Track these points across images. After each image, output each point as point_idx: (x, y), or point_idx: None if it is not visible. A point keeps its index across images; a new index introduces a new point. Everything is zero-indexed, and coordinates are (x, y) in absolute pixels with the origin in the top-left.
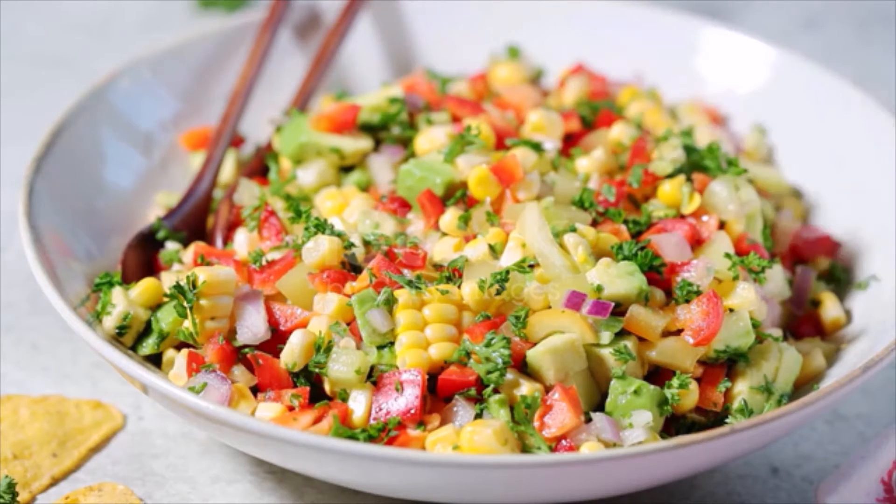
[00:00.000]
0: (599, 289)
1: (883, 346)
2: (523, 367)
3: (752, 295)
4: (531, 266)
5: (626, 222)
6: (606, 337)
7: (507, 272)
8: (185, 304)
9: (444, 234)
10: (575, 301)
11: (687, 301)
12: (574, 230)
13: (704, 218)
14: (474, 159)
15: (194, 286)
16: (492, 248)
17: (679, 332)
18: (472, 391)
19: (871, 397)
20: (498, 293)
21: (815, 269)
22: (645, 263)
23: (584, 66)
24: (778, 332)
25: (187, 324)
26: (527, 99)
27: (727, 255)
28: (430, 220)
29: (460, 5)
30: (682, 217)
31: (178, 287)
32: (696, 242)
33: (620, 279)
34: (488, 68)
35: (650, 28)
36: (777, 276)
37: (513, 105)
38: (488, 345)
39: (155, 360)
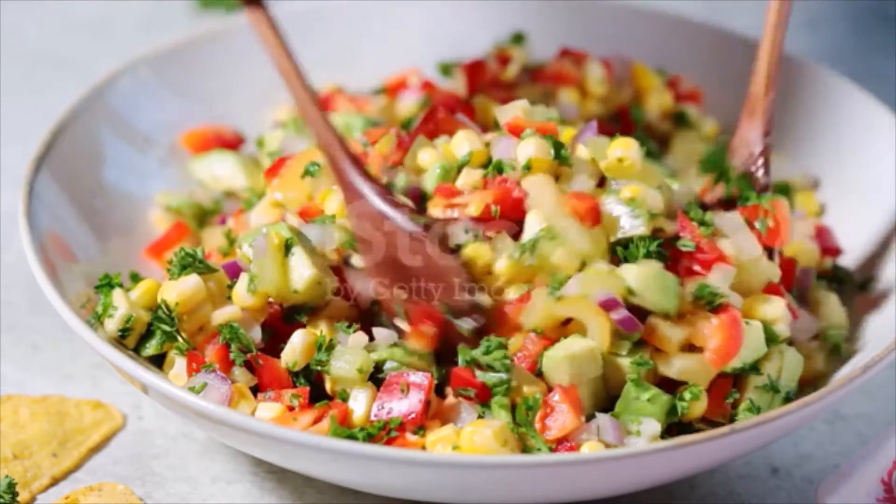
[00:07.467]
0: (631, 292)
1: (883, 346)
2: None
3: (781, 311)
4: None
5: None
6: (625, 346)
7: (535, 242)
8: (168, 329)
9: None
10: (610, 304)
11: (709, 303)
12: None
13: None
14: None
15: (169, 310)
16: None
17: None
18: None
19: (871, 397)
20: (528, 263)
21: (815, 270)
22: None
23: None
24: (786, 333)
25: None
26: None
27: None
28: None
29: (461, 5)
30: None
31: (157, 318)
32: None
33: (657, 292)
34: (492, 55)
35: (650, 28)
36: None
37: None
38: (487, 352)
39: (157, 361)
